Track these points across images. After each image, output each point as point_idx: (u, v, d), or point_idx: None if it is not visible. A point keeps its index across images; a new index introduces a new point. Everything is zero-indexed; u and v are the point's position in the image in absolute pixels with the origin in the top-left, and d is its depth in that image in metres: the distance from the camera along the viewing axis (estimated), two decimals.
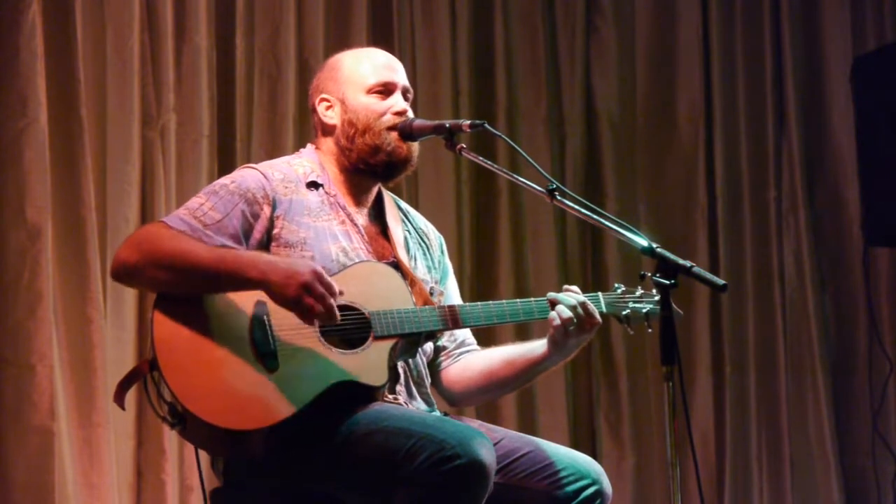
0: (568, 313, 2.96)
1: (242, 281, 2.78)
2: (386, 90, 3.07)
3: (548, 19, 5.37)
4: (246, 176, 2.98)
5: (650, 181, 5.52)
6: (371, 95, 3.07)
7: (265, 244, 2.93)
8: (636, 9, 5.53)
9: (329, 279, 2.78)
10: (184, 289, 2.81)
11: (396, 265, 3.03)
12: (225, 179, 2.98)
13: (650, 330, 3.03)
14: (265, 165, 3.04)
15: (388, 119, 3.05)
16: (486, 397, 3.20)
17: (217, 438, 2.80)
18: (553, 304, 2.98)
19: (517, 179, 3.00)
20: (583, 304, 2.97)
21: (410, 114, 3.09)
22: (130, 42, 4.33)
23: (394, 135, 3.04)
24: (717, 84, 5.56)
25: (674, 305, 2.73)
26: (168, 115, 4.40)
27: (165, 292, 2.82)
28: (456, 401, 3.14)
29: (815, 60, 5.72)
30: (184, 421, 2.78)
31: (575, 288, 3.03)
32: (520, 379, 3.10)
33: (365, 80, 3.08)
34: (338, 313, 2.77)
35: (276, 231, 2.94)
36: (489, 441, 2.75)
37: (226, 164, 4.42)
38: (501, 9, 5.24)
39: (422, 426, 2.73)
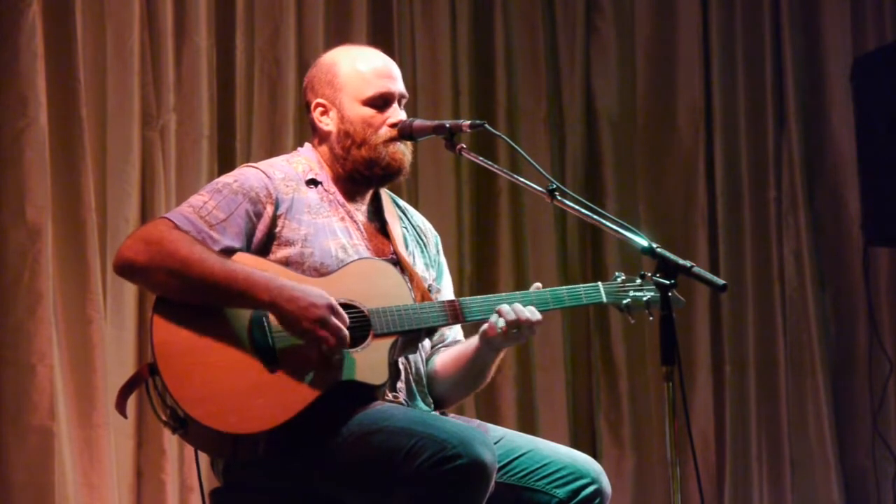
0: (503, 325, 2.92)
1: (251, 302, 2.78)
2: (383, 101, 3.04)
3: (548, 19, 5.38)
4: (248, 175, 2.97)
5: (650, 181, 5.52)
6: (368, 107, 3.03)
7: (266, 243, 2.93)
8: (636, 9, 5.53)
9: (342, 310, 2.79)
10: (187, 297, 2.80)
11: (395, 261, 3.03)
12: (227, 178, 2.96)
13: (651, 318, 3.01)
14: (266, 164, 3.03)
15: (385, 132, 3.02)
16: (452, 397, 3.12)
17: (218, 441, 2.80)
18: (498, 312, 2.94)
19: (517, 179, 3.00)
20: (525, 322, 2.92)
21: (403, 115, 3.07)
22: (130, 42, 4.34)
23: (390, 147, 3.03)
24: (717, 84, 5.56)
25: (675, 293, 2.73)
26: (168, 115, 4.40)
27: (166, 297, 2.82)
28: (437, 401, 3.10)
29: (815, 60, 5.72)
30: (185, 425, 2.78)
31: (538, 285, 3.01)
32: (466, 377, 3.06)
33: (362, 90, 3.03)
34: (348, 342, 2.78)
35: (277, 230, 2.93)
36: (490, 441, 2.75)
37: (226, 164, 4.42)
38: (501, 9, 5.24)
39: (423, 426, 2.73)
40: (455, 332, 3.17)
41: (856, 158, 5.58)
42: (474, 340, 3.02)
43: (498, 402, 5.09)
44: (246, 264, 2.84)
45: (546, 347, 5.20)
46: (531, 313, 2.93)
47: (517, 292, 3.01)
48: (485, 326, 2.96)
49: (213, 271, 2.77)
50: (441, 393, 3.09)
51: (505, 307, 2.93)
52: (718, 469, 5.44)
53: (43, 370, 4.06)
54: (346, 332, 2.78)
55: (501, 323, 2.92)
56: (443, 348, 3.13)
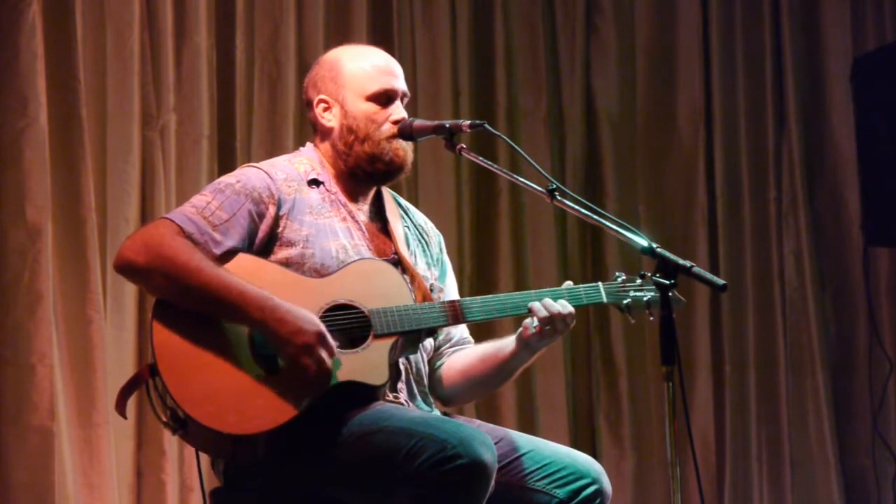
0: (537, 323, 2.94)
1: (243, 317, 2.79)
2: (386, 98, 3.05)
3: (548, 19, 5.38)
4: (251, 175, 2.97)
5: (650, 181, 5.52)
6: (371, 102, 3.04)
7: (268, 243, 2.93)
8: (636, 9, 5.53)
9: (331, 341, 2.79)
10: (182, 303, 2.80)
11: (397, 262, 3.02)
12: (230, 178, 2.96)
13: (651, 318, 3.01)
14: (268, 165, 3.03)
15: (387, 129, 3.03)
16: (470, 396, 3.17)
17: (217, 441, 2.80)
18: (530, 310, 2.96)
19: (517, 179, 3.00)
20: (558, 315, 2.94)
21: (405, 114, 3.08)
22: (130, 42, 4.34)
23: (393, 143, 3.03)
24: (717, 84, 5.56)
25: (676, 293, 2.73)
26: (168, 115, 4.40)
27: (163, 299, 2.82)
28: (445, 400, 3.12)
29: (815, 60, 5.72)
30: (185, 426, 2.78)
31: (569, 283, 3.03)
32: (494, 377, 3.08)
33: (366, 86, 3.05)
34: (330, 374, 2.78)
35: (279, 230, 2.93)
36: (490, 441, 2.75)
37: (226, 164, 4.42)
38: (501, 9, 5.24)
39: (423, 426, 2.73)
40: (461, 330, 3.17)
41: (856, 158, 5.59)
42: (509, 343, 3.03)
43: (498, 402, 5.08)
44: (247, 267, 2.84)
45: (546, 348, 5.19)
46: (562, 306, 2.94)
47: (517, 293, 3.01)
48: (520, 330, 2.97)
49: (209, 282, 2.77)
50: (458, 393, 3.10)
51: (536, 304, 2.94)
52: (718, 469, 5.44)
53: (43, 370, 4.06)
54: (330, 363, 2.78)
55: (535, 322, 2.92)
56: (452, 349, 3.13)
